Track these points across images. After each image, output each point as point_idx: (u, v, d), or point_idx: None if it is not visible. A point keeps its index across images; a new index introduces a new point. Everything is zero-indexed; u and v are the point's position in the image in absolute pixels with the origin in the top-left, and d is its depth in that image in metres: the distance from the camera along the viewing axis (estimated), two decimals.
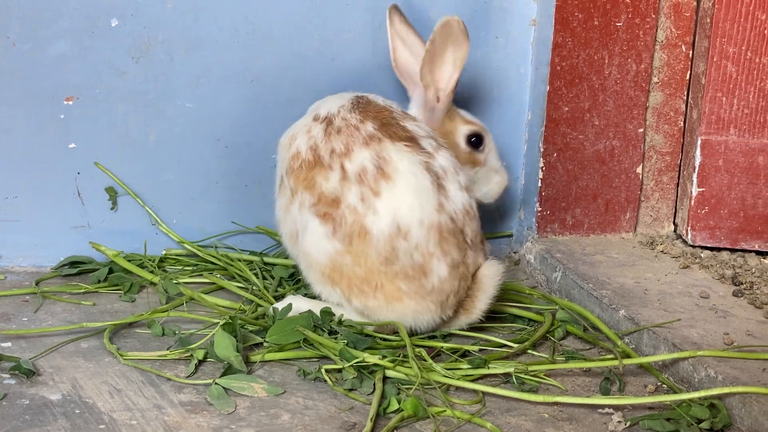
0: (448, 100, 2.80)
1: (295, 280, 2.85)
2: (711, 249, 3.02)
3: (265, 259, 2.93)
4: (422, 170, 2.46)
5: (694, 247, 3.03)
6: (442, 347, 2.48)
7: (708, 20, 2.94)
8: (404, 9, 2.89)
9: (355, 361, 2.32)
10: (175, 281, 2.75)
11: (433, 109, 2.81)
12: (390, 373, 2.33)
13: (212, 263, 2.93)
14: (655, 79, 3.06)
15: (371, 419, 2.13)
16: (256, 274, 2.85)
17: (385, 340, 2.50)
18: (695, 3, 3.02)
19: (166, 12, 2.84)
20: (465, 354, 2.48)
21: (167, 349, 2.41)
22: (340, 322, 2.50)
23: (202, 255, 2.93)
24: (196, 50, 2.88)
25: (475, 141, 2.84)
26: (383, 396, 2.24)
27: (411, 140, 2.49)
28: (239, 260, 2.92)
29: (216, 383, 2.25)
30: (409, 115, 2.62)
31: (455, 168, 2.53)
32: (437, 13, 2.99)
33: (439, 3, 3.01)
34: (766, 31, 2.90)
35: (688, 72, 3.06)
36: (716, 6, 2.91)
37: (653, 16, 3.01)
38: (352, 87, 2.94)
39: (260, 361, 2.40)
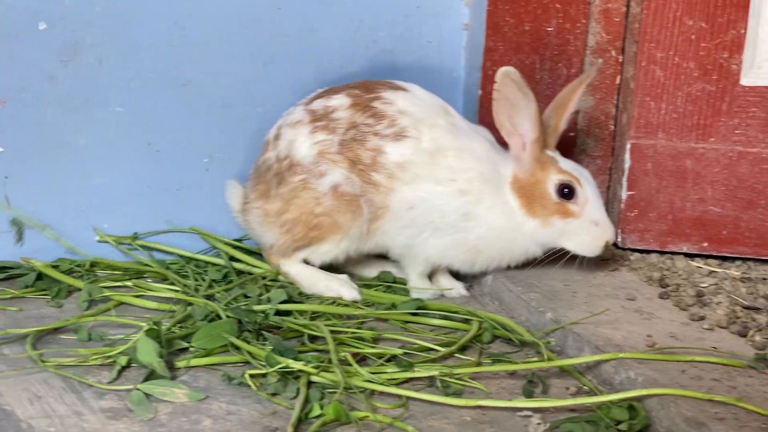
0: (535, 148, 2.78)
1: (228, 281, 2.85)
2: (640, 251, 3.06)
3: (198, 258, 2.93)
4: None
5: (624, 249, 3.07)
6: (368, 352, 2.49)
7: (637, 25, 2.97)
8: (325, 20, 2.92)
9: (279, 366, 2.33)
10: (102, 285, 2.74)
11: (519, 157, 2.81)
12: (315, 378, 2.34)
13: (145, 266, 2.92)
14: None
15: (292, 424, 2.13)
16: (187, 276, 2.85)
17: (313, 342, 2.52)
18: (625, 8, 3.05)
19: (95, 16, 2.83)
20: (392, 358, 2.49)
21: (92, 355, 2.40)
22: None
23: (134, 258, 2.93)
24: (126, 54, 2.88)
25: (567, 192, 2.79)
26: (307, 401, 2.25)
27: None
28: (171, 262, 2.92)
29: (137, 389, 2.24)
30: None
31: None
32: (371, 23, 3.01)
33: (371, 9, 3.02)
34: (693, 36, 2.93)
35: (618, 77, 3.09)
36: (644, 11, 2.94)
37: (584, 21, 3.04)
38: (284, 91, 2.97)
39: (186, 367, 2.40)
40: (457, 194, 2.78)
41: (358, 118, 2.78)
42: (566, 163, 2.83)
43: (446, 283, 2.95)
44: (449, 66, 3.11)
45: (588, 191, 2.80)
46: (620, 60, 3.08)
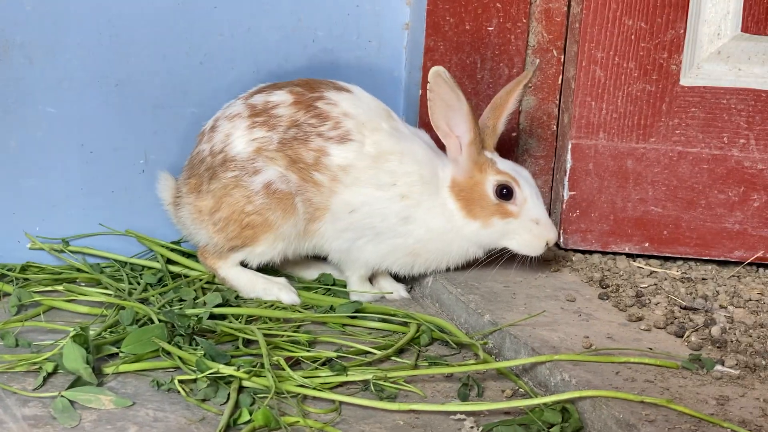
0: (472, 149, 2.74)
1: (162, 284, 2.80)
2: (583, 252, 3.04)
3: (133, 262, 2.88)
4: None
5: (566, 250, 3.05)
6: (302, 356, 2.45)
7: (577, 25, 2.95)
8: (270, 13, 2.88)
9: (209, 371, 2.28)
10: (33, 290, 2.68)
11: (456, 160, 2.77)
12: (246, 383, 2.30)
13: (78, 270, 2.86)
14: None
15: (220, 430, 2.09)
16: (121, 280, 2.80)
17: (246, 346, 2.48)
18: (566, 8, 3.04)
19: (25, 14, 2.78)
20: (327, 362, 2.45)
21: (17, 362, 2.34)
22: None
23: (67, 262, 2.87)
24: (57, 53, 2.82)
25: (506, 193, 2.76)
26: (237, 406, 2.21)
27: None
28: (106, 265, 2.87)
29: (62, 396, 2.19)
30: None
31: None
32: (309, 22, 2.97)
33: (309, 8, 2.98)
34: (632, 37, 2.92)
35: (560, 76, 3.07)
36: (584, 11, 2.92)
37: (524, 20, 3.02)
38: (221, 91, 2.93)
39: (114, 373, 2.35)
40: (398, 198, 2.75)
41: (301, 117, 2.74)
42: (504, 164, 2.80)
43: (387, 286, 2.92)
44: (390, 66, 3.08)
45: (526, 191, 2.77)
46: (562, 60, 3.06)
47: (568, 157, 2.99)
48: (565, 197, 3.01)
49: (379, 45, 3.06)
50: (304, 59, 3.01)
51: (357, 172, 2.73)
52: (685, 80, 2.92)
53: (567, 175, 3.00)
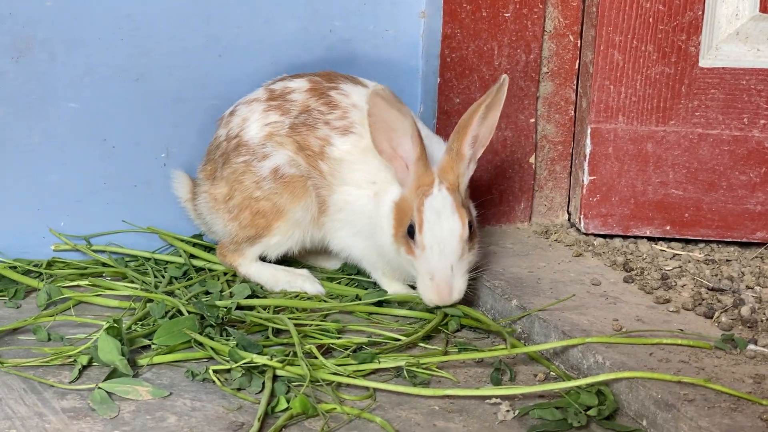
0: (419, 167, 2.55)
1: (187, 278, 2.81)
2: (604, 236, 3.05)
3: (157, 257, 2.89)
4: None
5: (587, 235, 3.05)
6: (333, 343, 2.46)
7: (594, 9, 2.96)
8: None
9: (243, 361, 2.29)
10: (61, 285, 2.69)
11: (403, 181, 2.59)
12: (280, 372, 2.30)
13: (103, 265, 2.87)
14: (545, 69, 3.07)
15: (259, 419, 2.10)
16: (146, 274, 2.80)
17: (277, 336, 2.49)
18: None
19: (45, 10, 2.77)
20: (358, 349, 2.46)
21: (52, 355, 2.35)
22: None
23: (92, 257, 2.88)
24: (78, 49, 2.82)
25: (410, 230, 2.56)
26: (273, 395, 2.21)
27: None
28: (130, 260, 2.87)
29: (99, 388, 2.20)
30: None
31: None
32: (327, 12, 2.97)
33: None
34: (650, 19, 2.93)
35: (577, 61, 3.08)
36: None
37: (541, 6, 3.02)
38: (240, 83, 2.93)
39: (148, 364, 2.36)
40: (373, 198, 2.68)
41: (312, 103, 2.74)
42: (438, 199, 2.54)
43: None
44: (407, 54, 3.08)
45: (428, 240, 2.51)
46: (578, 44, 3.06)
47: (588, 141, 3.00)
48: (585, 182, 3.02)
49: (395, 34, 3.07)
50: (322, 49, 3.01)
51: (345, 167, 2.70)
52: (704, 62, 2.93)
53: (587, 160, 3.00)
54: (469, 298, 2.64)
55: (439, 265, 2.53)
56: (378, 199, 2.66)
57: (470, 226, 2.57)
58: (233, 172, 2.76)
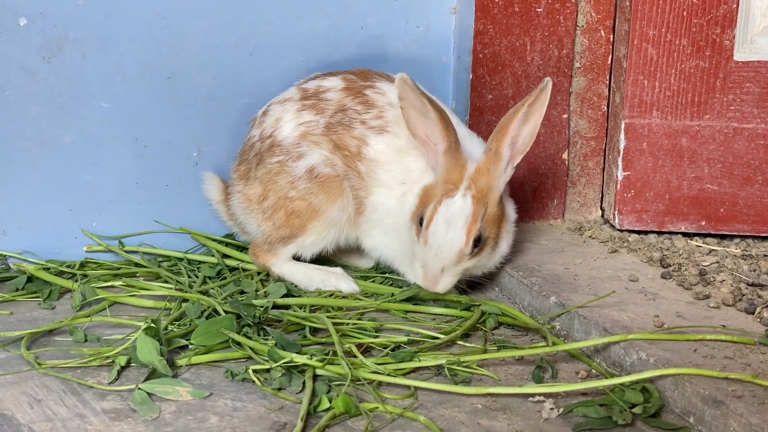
0: (447, 158, 2.54)
1: (221, 278, 2.79)
2: (638, 232, 3.02)
3: (190, 257, 2.87)
4: None
5: (621, 231, 3.03)
6: (372, 342, 2.43)
7: (627, 3, 2.93)
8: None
9: (283, 361, 2.27)
10: (95, 286, 2.67)
11: (434, 168, 2.60)
12: (320, 371, 2.28)
13: (136, 265, 2.85)
14: (577, 65, 3.05)
15: (302, 418, 2.08)
16: (180, 274, 2.79)
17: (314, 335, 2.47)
18: None
19: (77, 9, 2.76)
20: (397, 348, 2.44)
21: (87, 358, 2.33)
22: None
23: (125, 257, 2.86)
24: (109, 48, 2.81)
25: (420, 220, 2.57)
26: (314, 394, 2.19)
27: None
28: (162, 260, 2.86)
29: (139, 388, 2.18)
30: None
31: None
32: (358, 8, 2.95)
33: None
34: (684, 13, 2.90)
35: (610, 56, 3.05)
36: None
37: (573, 0, 3.00)
38: (272, 81, 2.91)
39: (186, 365, 2.34)
40: (399, 198, 2.68)
41: (348, 102, 2.72)
42: (458, 204, 2.52)
43: None
44: (438, 50, 3.05)
45: (431, 238, 2.51)
46: (611, 39, 3.04)
47: (622, 137, 2.97)
48: (619, 178, 2.99)
49: (426, 30, 3.04)
50: (353, 46, 2.99)
51: (380, 167, 2.69)
52: (739, 55, 2.90)
53: (620, 155, 2.98)
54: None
55: (432, 263, 2.55)
56: (404, 200, 2.66)
57: (478, 241, 2.55)
58: (267, 173, 2.74)
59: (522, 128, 2.57)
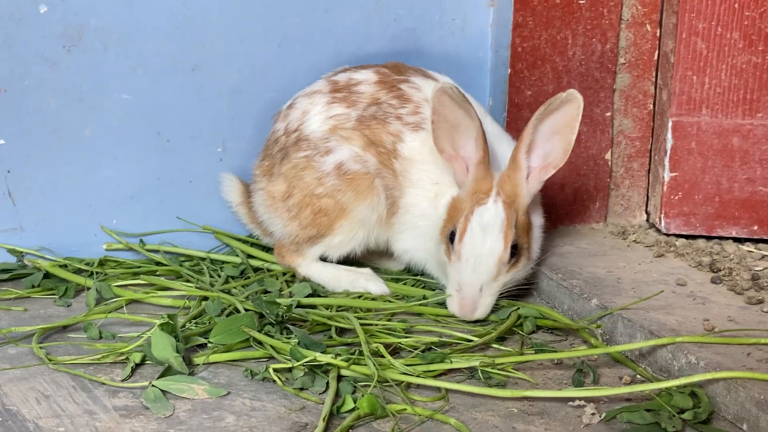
0: (480, 170, 2.42)
1: (245, 277, 2.66)
2: (686, 237, 2.86)
3: (213, 257, 2.75)
4: None
5: (668, 235, 2.87)
6: (401, 343, 2.29)
7: None
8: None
9: (306, 360, 2.13)
10: (112, 284, 2.55)
11: (462, 183, 2.47)
12: (345, 371, 2.15)
13: (157, 264, 2.73)
14: (621, 60, 2.91)
15: (323, 419, 1.94)
16: (202, 273, 2.66)
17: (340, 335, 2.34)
18: None
19: None
20: (428, 350, 2.29)
21: (100, 354, 2.21)
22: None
23: (146, 256, 2.74)
24: (132, 38, 2.70)
25: (450, 236, 2.44)
26: (337, 395, 2.06)
27: None
28: (184, 259, 2.74)
29: (153, 385, 2.05)
30: None
31: None
32: (392, 0, 2.84)
33: None
34: (736, 5, 2.75)
35: (656, 52, 2.90)
36: None
37: None
38: (300, 74, 2.80)
39: (204, 363, 2.21)
40: (433, 199, 2.55)
41: (383, 96, 2.59)
42: (488, 211, 2.41)
43: None
44: (475, 45, 2.92)
45: (465, 250, 2.39)
46: (657, 34, 2.89)
47: (669, 135, 2.82)
48: (666, 179, 2.84)
49: (462, 23, 2.91)
50: (386, 40, 2.87)
51: (414, 166, 2.57)
52: None
53: (668, 156, 2.83)
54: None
55: (469, 281, 2.41)
56: (437, 202, 2.53)
57: (515, 249, 2.41)
58: (293, 168, 2.61)
59: (547, 144, 2.44)
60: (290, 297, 2.51)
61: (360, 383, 2.12)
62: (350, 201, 2.58)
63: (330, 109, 2.61)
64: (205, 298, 2.47)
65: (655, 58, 2.90)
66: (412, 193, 2.58)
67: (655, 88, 2.92)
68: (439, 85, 2.39)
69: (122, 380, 2.12)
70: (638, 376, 2.23)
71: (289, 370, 2.16)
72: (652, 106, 2.93)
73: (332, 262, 2.70)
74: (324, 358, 2.15)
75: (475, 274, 2.41)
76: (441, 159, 2.50)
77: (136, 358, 2.17)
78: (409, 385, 2.14)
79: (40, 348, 2.23)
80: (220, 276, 2.66)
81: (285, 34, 2.80)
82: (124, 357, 2.19)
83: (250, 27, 2.77)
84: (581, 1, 2.85)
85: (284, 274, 2.72)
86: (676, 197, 2.84)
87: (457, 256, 2.41)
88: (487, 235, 2.40)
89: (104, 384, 2.10)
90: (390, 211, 2.60)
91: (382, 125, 2.57)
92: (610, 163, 2.95)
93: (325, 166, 2.59)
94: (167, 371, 2.11)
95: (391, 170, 2.57)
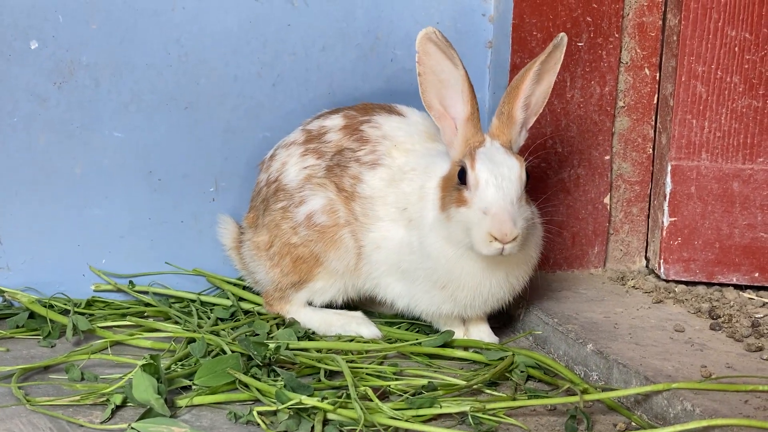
0: (468, 127, 2.37)
1: (235, 319, 2.61)
2: (686, 283, 2.80)
3: (203, 299, 2.69)
4: None
5: (667, 281, 2.81)
6: (390, 386, 2.23)
7: (675, 38, 2.75)
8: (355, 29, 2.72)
9: (291, 402, 2.07)
10: (97, 325, 2.50)
11: (451, 143, 2.41)
12: (331, 415, 2.09)
13: (146, 305, 2.68)
14: (620, 103, 2.87)
15: None
16: (191, 315, 2.61)
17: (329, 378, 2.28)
18: (661, 22, 2.84)
19: (91, 33, 2.63)
20: (417, 393, 2.23)
21: (80, 395, 2.15)
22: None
23: (133, 296, 2.69)
24: (124, 74, 2.67)
25: (461, 174, 2.33)
26: None
27: None
28: (174, 301, 2.69)
29: (132, 428, 1.99)
30: None
31: None
32: (387, 40, 2.81)
33: (387, 26, 2.81)
34: (736, 49, 2.72)
35: (656, 95, 2.87)
36: (683, 23, 2.72)
37: (617, 35, 2.83)
38: (295, 114, 2.76)
39: (187, 406, 2.15)
40: (409, 225, 2.46)
41: (345, 143, 2.56)
42: (491, 149, 2.34)
43: (475, 333, 2.64)
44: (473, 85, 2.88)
45: (482, 174, 2.28)
46: (657, 77, 2.85)
47: (668, 180, 2.77)
48: (665, 224, 2.79)
49: None
50: (382, 80, 2.84)
51: (378, 202, 2.50)
52: None
53: (667, 200, 2.78)
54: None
55: (495, 198, 2.27)
56: (413, 225, 2.44)
57: (528, 176, 2.33)
58: (272, 220, 2.59)
59: (535, 88, 2.42)
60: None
61: (346, 427, 2.06)
62: (321, 251, 2.54)
63: (304, 161, 2.58)
64: (192, 340, 2.42)
65: (655, 101, 2.87)
66: (382, 227, 2.50)
67: (655, 131, 2.88)
68: (423, 32, 2.33)
69: (101, 422, 2.06)
70: (633, 423, 2.16)
71: (274, 413, 2.10)
72: (651, 149, 2.89)
73: (316, 307, 2.64)
74: (309, 401, 2.09)
75: (501, 191, 2.28)
76: (403, 183, 2.45)
77: (117, 399, 2.12)
78: (396, 430, 2.08)
79: (19, 389, 2.17)
80: (209, 318, 2.61)
81: (280, 73, 2.77)
82: (104, 399, 2.14)
83: (244, 65, 2.75)
84: (580, 44, 2.82)
85: (275, 318, 2.66)
86: (676, 243, 2.79)
87: (474, 185, 2.29)
88: (498, 159, 2.31)
89: (82, 426, 2.05)
90: (358, 255, 2.53)
91: (344, 170, 2.53)
92: (609, 207, 2.90)
93: (298, 217, 2.55)
94: (148, 413, 2.06)
95: (352, 213, 2.51)
